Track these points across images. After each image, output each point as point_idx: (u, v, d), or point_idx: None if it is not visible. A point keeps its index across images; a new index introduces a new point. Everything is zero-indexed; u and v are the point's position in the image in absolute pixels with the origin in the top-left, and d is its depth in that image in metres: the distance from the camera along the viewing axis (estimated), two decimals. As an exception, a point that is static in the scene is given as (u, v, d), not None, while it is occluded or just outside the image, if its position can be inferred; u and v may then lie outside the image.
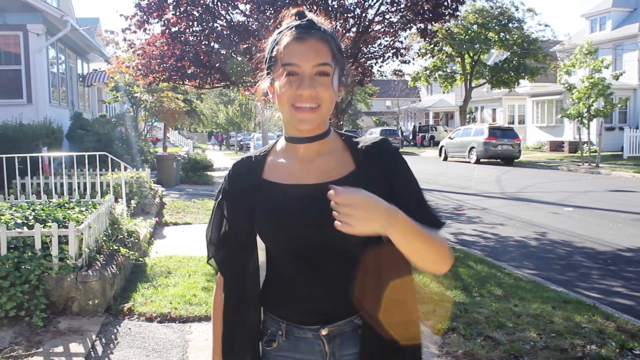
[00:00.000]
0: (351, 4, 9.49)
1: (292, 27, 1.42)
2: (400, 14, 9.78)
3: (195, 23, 9.38)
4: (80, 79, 19.07)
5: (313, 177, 1.46)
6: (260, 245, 1.55)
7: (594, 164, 20.82)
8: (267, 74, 1.49)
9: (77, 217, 5.46)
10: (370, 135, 1.69)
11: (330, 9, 8.87)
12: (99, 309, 4.78)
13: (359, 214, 1.21)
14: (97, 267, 4.97)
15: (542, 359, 3.80)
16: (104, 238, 5.79)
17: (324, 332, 1.47)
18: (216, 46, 9.50)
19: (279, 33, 1.46)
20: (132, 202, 8.11)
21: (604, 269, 6.73)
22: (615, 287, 6.02)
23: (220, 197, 1.58)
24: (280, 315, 1.51)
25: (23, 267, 4.61)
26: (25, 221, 5.17)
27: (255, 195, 1.49)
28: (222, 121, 36.75)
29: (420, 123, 49.57)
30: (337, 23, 9.79)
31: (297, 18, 1.46)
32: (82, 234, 4.98)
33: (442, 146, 28.08)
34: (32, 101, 13.82)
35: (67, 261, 4.79)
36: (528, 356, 3.83)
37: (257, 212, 1.48)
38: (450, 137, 27.83)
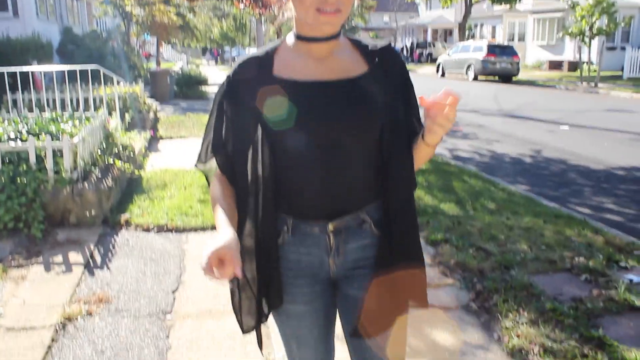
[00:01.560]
0: None
1: None
2: None
3: None
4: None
5: (330, 74, 1.46)
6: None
7: (593, 84, 20.61)
8: None
9: (71, 131, 5.42)
10: (376, 40, 1.66)
11: None
12: (96, 220, 4.83)
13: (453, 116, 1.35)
14: (92, 180, 4.98)
15: (531, 270, 3.90)
16: (99, 152, 5.78)
17: (331, 227, 1.50)
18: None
19: None
20: (127, 116, 8.04)
21: (596, 186, 6.80)
22: (606, 203, 6.10)
23: (221, 97, 1.53)
24: (286, 212, 1.51)
25: (18, 180, 4.62)
26: (19, 135, 5.14)
27: (265, 92, 1.45)
28: (216, 36, 35.93)
29: (418, 39, 48.60)
30: None
31: None
32: (76, 147, 4.96)
33: (439, 63, 27.70)
34: (18, 14, 13.41)
35: (63, 174, 4.80)
36: (518, 267, 3.93)
37: (268, 110, 1.44)
38: (448, 54, 27.39)
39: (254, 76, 1.49)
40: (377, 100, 1.46)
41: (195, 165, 1.65)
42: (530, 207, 5.49)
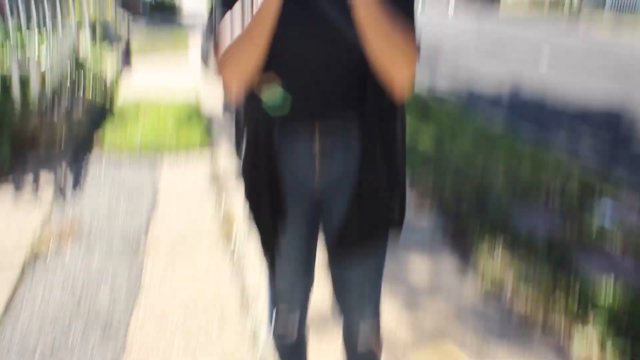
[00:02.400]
0: None
1: None
2: None
3: None
4: None
5: None
6: None
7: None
8: None
9: (38, 53, 5.13)
10: None
11: None
12: (68, 147, 4.72)
13: None
14: (62, 112, 4.83)
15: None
16: (69, 82, 5.54)
17: (316, 126, 1.44)
18: None
19: None
20: (97, 27, 7.63)
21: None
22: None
23: None
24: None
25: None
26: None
27: None
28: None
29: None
30: None
31: None
32: (45, 73, 4.78)
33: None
34: None
35: (31, 107, 4.64)
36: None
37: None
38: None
39: None
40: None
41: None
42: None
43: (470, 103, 7.82)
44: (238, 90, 1.40)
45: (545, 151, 5.25)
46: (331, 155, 1.48)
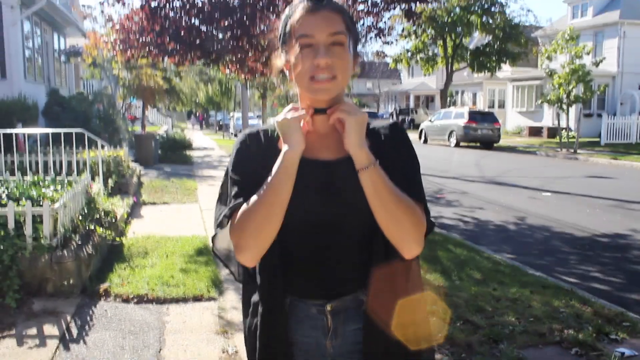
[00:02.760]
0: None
1: (304, 1, 1.42)
2: (384, -6, 9.67)
3: (175, -1, 9.18)
4: (57, 54, 18.66)
5: (330, 152, 1.45)
6: None
7: (572, 150, 21.02)
8: (282, 50, 1.48)
9: (52, 195, 5.34)
10: (382, 120, 1.66)
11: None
12: (74, 289, 4.69)
13: (352, 123, 1.37)
14: (72, 247, 4.86)
15: (520, 344, 3.82)
16: (80, 217, 5.68)
17: (328, 307, 1.46)
18: (197, 22, 9.32)
19: (291, 8, 1.45)
20: (110, 181, 7.96)
21: (581, 254, 6.79)
22: (592, 272, 6.08)
23: (232, 168, 1.48)
24: (284, 291, 1.48)
25: (-5, 246, 4.50)
26: (-2, 199, 5.05)
27: (269, 164, 1.41)
28: (202, 100, 36.38)
29: (400, 106, 49.57)
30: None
31: None
32: (57, 213, 4.87)
33: (422, 129, 28.14)
34: (6, 76, 13.49)
35: (42, 241, 4.69)
36: (507, 340, 3.85)
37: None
38: (430, 120, 27.90)
39: (260, 148, 1.49)
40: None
41: (213, 251, 1.56)
42: (517, 277, 5.45)
43: (477, 232, 7.85)
44: (252, 257, 1.42)
45: (557, 288, 5.17)
46: (344, 330, 1.50)
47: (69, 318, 4.23)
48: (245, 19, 8.83)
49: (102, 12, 9.30)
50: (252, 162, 1.47)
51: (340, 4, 1.45)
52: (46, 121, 14.33)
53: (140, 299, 4.69)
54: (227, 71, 11.88)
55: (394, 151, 1.48)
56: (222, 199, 1.51)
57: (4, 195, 5.15)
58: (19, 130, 8.77)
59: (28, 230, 4.67)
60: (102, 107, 17.36)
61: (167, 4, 9.35)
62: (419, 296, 1.51)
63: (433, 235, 7.14)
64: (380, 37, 10.81)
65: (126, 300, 4.67)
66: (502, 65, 31.79)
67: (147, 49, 9.46)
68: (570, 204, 10.17)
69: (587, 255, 6.72)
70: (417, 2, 9.89)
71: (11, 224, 4.69)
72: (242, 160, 1.49)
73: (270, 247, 1.42)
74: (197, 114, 54.78)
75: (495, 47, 30.76)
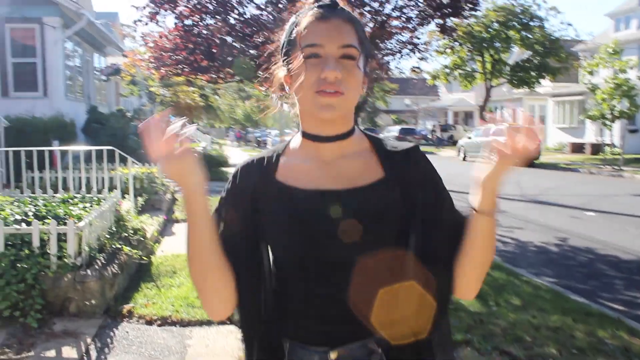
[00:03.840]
0: (368, -3, 9.20)
1: (314, 7, 1.26)
2: (419, 8, 9.47)
3: (209, 16, 9.18)
4: (97, 72, 19.00)
5: (335, 182, 1.27)
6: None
7: (617, 167, 20.31)
8: (284, 61, 1.30)
9: (80, 213, 5.28)
10: (401, 142, 1.49)
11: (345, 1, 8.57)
12: (97, 310, 4.59)
13: (509, 162, 1.26)
14: (97, 267, 4.78)
15: (562, 378, 3.54)
16: (107, 236, 5.61)
17: (332, 355, 1.26)
18: (229, 40, 9.29)
19: (298, 15, 1.28)
20: (140, 198, 7.93)
21: (628, 278, 6.41)
22: (640, 298, 5.71)
23: (223, 196, 1.35)
24: (283, 334, 1.30)
25: (19, 265, 4.43)
26: (25, 217, 5.01)
27: (266, 198, 1.29)
28: (240, 117, 36.71)
29: (440, 122, 49.05)
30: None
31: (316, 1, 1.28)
32: (81, 231, 4.79)
33: (460, 146, 27.68)
34: (47, 94, 13.76)
35: (66, 260, 4.61)
36: (547, 374, 3.57)
37: (267, 218, 1.28)
38: (469, 137, 27.42)
39: (256, 179, 1.32)
40: (390, 213, 1.26)
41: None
42: (558, 303, 5.14)
43: (517, 254, 7.52)
44: (213, 309, 1.32)
45: (602, 316, 4.84)
46: None
47: (89, 340, 4.12)
48: (277, 33, 8.75)
49: (135, 30, 9.32)
50: (238, 198, 1.32)
51: (353, 14, 1.29)
52: (86, 138, 14.54)
53: (164, 321, 4.56)
54: (262, 88, 11.84)
55: (422, 177, 1.32)
56: None
57: (30, 214, 5.10)
58: (53, 148, 8.82)
59: (52, 249, 4.60)
60: (140, 124, 17.54)
61: (201, 22, 9.37)
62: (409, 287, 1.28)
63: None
64: (415, 53, 10.61)
65: (149, 322, 4.55)
66: (542, 80, 31.19)
67: (180, 67, 9.47)
68: (615, 224, 9.71)
69: (634, 280, 6.34)
70: (452, 17, 9.65)
71: (36, 243, 4.63)
72: (228, 195, 1.35)
73: (263, 284, 1.28)
74: (235, 131, 55.31)
75: (535, 62, 30.21)
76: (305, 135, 1.31)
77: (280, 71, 1.33)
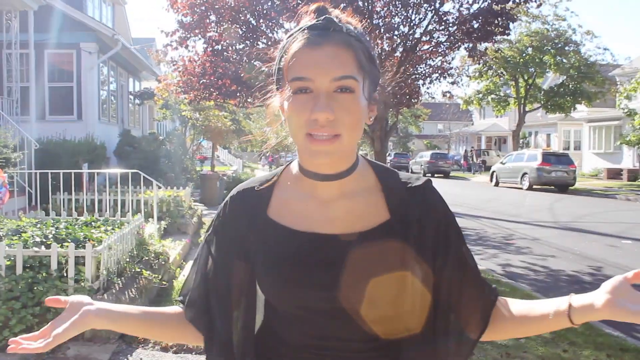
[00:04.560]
0: (397, 22, 9.15)
1: (304, 29, 1.08)
2: (449, 32, 9.38)
3: (238, 41, 9.25)
4: (132, 96, 19.35)
5: (332, 225, 1.13)
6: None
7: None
8: (277, 88, 1.16)
9: (100, 236, 5.25)
10: (412, 175, 1.34)
11: (374, 26, 8.54)
12: (112, 335, 4.50)
13: None
14: (114, 291, 4.72)
15: (593, 420, 3.30)
16: (128, 259, 5.56)
17: None
18: (257, 64, 9.33)
19: (289, 37, 1.11)
20: (163, 222, 7.91)
21: (666, 311, 6.07)
22: (680, 333, 5.38)
23: (210, 232, 1.24)
24: None
25: (36, 288, 4.39)
26: (45, 240, 4.99)
27: (256, 237, 1.16)
28: (272, 141, 36.91)
29: (472, 147, 48.55)
30: (384, 42, 9.47)
31: (316, 17, 1.11)
32: (100, 255, 4.75)
33: (493, 171, 27.23)
34: (82, 118, 14.04)
35: (83, 283, 4.56)
36: (577, 416, 3.34)
37: (257, 260, 1.16)
38: (502, 162, 26.97)
39: (245, 213, 1.19)
40: (391, 262, 1.10)
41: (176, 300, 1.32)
42: (591, 336, 4.86)
43: (549, 283, 7.24)
44: None
45: (638, 352, 4.56)
46: None
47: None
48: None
49: (166, 54, 9.41)
50: (227, 236, 1.21)
51: (354, 32, 1.11)
52: (118, 160, 14.75)
53: (180, 348, 4.46)
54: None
55: (435, 228, 1.15)
56: (194, 263, 1.30)
57: (50, 236, 5.09)
58: (81, 170, 8.90)
59: (70, 272, 4.56)
60: (171, 148, 17.74)
61: (230, 47, 9.44)
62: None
63: (499, 285, 6.61)
64: (445, 77, 10.50)
65: (164, 349, 4.44)
66: (578, 105, 30.63)
67: (208, 91, 9.53)
68: (653, 254, 9.32)
69: (673, 313, 6.00)
70: (482, 41, 9.52)
71: (54, 266, 4.59)
72: (217, 232, 1.24)
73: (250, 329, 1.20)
74: (267, 155, 55.57)
75: (570, 86, 29.73)
76: (302, 170, 1.17)
77: (274, 100, 1.19)
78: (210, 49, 9.07)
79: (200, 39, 9.14)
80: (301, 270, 1.11)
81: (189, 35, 9.09)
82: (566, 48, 29.60)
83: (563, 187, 23.02)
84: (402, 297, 1.11)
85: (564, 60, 29.59)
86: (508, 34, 9.80)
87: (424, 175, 24.87)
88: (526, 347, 4.50)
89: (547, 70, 30.69)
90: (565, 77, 30.01)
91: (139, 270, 5.50)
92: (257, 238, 1.16)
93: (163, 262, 6.27)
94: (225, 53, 9.33)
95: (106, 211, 8.05)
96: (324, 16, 1.09)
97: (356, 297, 1.09)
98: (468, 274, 1.17)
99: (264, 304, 1.23)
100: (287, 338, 1.16)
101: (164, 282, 5.90)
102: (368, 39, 1.17)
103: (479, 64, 11.50)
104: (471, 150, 45.50)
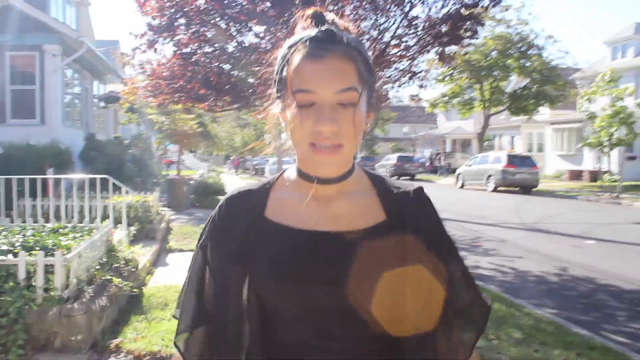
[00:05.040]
0: (367, 26, 9.19)
1: (306, 40, 1.10)
2: (418, 36, 9.46)
3: (207, 44, 9.16)
4: (96, 100, 19.01)
5: (331, 223, 1.15)
6: None
7: (615, 194, 20.20)
8: (278, 97, 1.17)
9: (69, 244, 5.14)
10: (404, 182, 1.36)
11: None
12: (83, 345, 4.41)
13: None
14: (84, 300, 4.61)
15: (567, 419, 3.37)
16: (97, 267, 5.45)
17: None
18: (227, 67, 9.27)
19: (290, 47, 1.12)
20: (132, 228, 7.79)
21: (631, 309, 6.25)
22: (644, 331, 5.54)
23: (205, 237, 1.22)
24: None
25: (2, 298, 4.27)
26: (12, 248, 4.86)
27: (254, 239, 1.16)
28: (239, 144, 36.74)
29: (438, 150, 49.10)
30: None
31: (313, 22, 1.14)
32: (70, 263, 4.65)
33: (458, 174, 27.60)
34: (45, 122, 13.72)
35: (52, 293, 4.46)
36: (551, 415, 3.40)
37: (256, 261, 1.15)
38: (467, 165, 27.36)
39: (242, 214, 1.19)
40: (392, 259, 1.13)
41: (175, 343, 1.26)
42: (560, 336, 4.97)
43: (517, 284, 7.36)
44: None
45: (606, 349, 4.67)
46: None
47: (73, 379, 3.95)
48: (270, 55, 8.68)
49: (133, 57, 9.26)
50: (223, 240, 1.20)
51: (354, 42, 1.13)
52: (83, 165, 14.46)
53: (153, 356, 4.39)
54: (259, 116, 11.80)
55: (426, 232, 1.19)
56: (187, 286, 1.25)
57: (17, 244, 4.96)
58: (46, 176, 8.69)
59: (39, 281, 4.45)
60: (138, 152, 17.49)
61: (199, 50, 9.34)
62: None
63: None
64: (413, 81, 10.58)
65: (137, 358, 4.37)
66: (540, 108, 31.27)
67: (177, 95, 9.42)
68: (616, 253, 9.56)
69: (637, 312, 6.17)
70: (452, 44, 9.62)
71: (22, 275, 4.47)
72: (212, 237, 1.22)
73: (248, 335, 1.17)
74: (233, 159, 55.24)
75: (533, 90, 30.32)
76: (301, 173, 1.19)
77: (275, 107, 1.21)
78: (180, 52, 8.97)
79: (169, 42, 9.03)
80: (306, 266, 1.11)
81: (157, 38, 8.97)
82: (529, 52, 30.17)
83: (527, 188, 23.48)
84: (411, 294, 1.13)
85: (527, 64, 30.15)
86: (477, 38, 9.95)
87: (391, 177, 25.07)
88: (499, 349, 4.56)
89: (511, 73, 31.25)
90: (528, 80, 30.60)
91: (109, 277, 5.40)
92: (257, 240, 1.16)
93: (133, 269, 6.17)
94: (193, 57, 9.24)
95: (72, 217, 7.87)
96: (324, 27, 1.13)
97: (363, 294, 1.10)
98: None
99: (262, 309, 1.21)
100: (289, 339, 1.15)
101: (134, 290, 5.81)
102: (365, 45, 1.19)
103: (449, 67, 11.62)
104: (438, 153, 45.99)
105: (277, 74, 1.16)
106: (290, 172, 1.23)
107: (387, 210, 1.18)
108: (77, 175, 8.29)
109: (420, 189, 1.24)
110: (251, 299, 1.17)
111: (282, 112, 1.16)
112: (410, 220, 1.17)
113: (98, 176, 7.97)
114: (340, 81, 1.07)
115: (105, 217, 7.89)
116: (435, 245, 1.18)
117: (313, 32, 1.12)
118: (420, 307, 1.14)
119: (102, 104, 19.12)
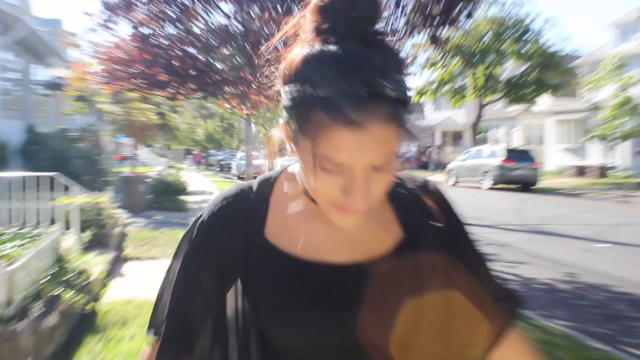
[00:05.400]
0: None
1: (342, 96, 0.90)
2: (406, 18, 9.41)
3: (170, 25, 9.00)
4: (37, 86, 18.66)
5: (344, 251, 1.07)
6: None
7: (626, 192, 20.49)
8: (287, 122, 1.01)
9: (11, 253, 4.99)
10: (415, 178, 1.28)
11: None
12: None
13: None
14: (31, 318, 4.48)
15: None
16: (46, 279, 5.30)
17: None
18: (192, 51, 9.12)
19: (313, 84, 0.93)
20: (84, 234, 7.63)
21: (652, 321, 6.31)
22: (668, 344, 5.59)
23: (190, 246, 1.13)
24: None
25: None
26: (-55, 259, 4.70)
27: (253, 265, 1.08)
28: (201, 137, 36.44)
29: (428, 144, 49.37)
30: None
31: (325, 23, 1.01)
32: (13, 276, 4.50)
33: (450, 169, 27.70)
34: (-23, 111, 13.44)
35: (-7, 312, 4.31)
36: None
37: (257, 296, 1.08)
38: (460, 160, 27.48)
39: (239, 230, 1.09)
40: (431, 282, 1.07)
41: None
42: (576, 351, 4.99)
43: (523, 293, 7.38)
44: None
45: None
46: None
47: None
48: (247, 47, 8.59)
49: (86, 40, 9.12)
50: (214, 252, 1.10)
51: (402, 96, 0.94)
52: (24, 161, 14.18)
53: (113, 383, 4.28)
54: (228, 105, 11.69)
55: (453, 234, 1.20)
56: (163, 291, 1.19)
57: (-49, 254, 4.80)
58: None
59: (-23, 298, 4.30)
60: (85, 146, 17.21)
61: (160, 31, 9.18)
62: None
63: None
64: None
65: (94, 385, 4.26)
66: (541, 96, 31.58)
67: (135, 82, 9.26)
68: (631, 258, 9.67)
69: (659, 323, 6.24)
70: (446, 25, 9.60)
71: (-44, 290, 4.32)
72: (199, 246, 1.13)
73: None
74: (194, 155, 54.65)
75: (531, 77, 30.62)
76: (308, 194, 1.07)
77: (275, 132, 1.13)
78: (139, 33, 8.80)
79: (127, 21, 8.85)
80: (319, 310, 1.03)
81: (112, 17, 8.79)
82: (525, 36, 30.47)
83: (527, 185, 23.68)
84: (450, 323, 1.08)
85: (523, 50, 30.41)
86: (473, 18, 9.96)
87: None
88: (510, 368, 4.54)
89: (507, 58, 31.53)
90: (526, 66, 30.90)
91: (59, 292, 5.26)
92: (257, 267, 1.07)
93: (86, 282, 6.03)
94: (154, 39, 9.07)
95: (10, 222, 7.69)
96: (367, 76, 0.91)
97: (385, 333, 1.04)
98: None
99: (260, 336, 1.14)
100: None
101: (88, 306, 5.67)
102: (407, 76, 1.10)
103: (440, 50, 11.62)
104: (429, 147, 46.21)
105: (288, 99, 0.98)
106: (292, 179, 1.14)
107: (404, 223, 1.13)
108: (23, 173, 8.08)
109: (431, 185, 1.21)
110: (249, 332, 1.11)
111: (288, 140, 1.03)
112: (430, 227, 1.13)
113: (46, 174, 7.79)
114: (380, 151, 0.94)
115: (52, 221, 7.72)
116: (460, 254, 1.16)
117: (330, 46, 0.97)
118: (463, 335, 1.10)
119: (45, 91, 18.76)
